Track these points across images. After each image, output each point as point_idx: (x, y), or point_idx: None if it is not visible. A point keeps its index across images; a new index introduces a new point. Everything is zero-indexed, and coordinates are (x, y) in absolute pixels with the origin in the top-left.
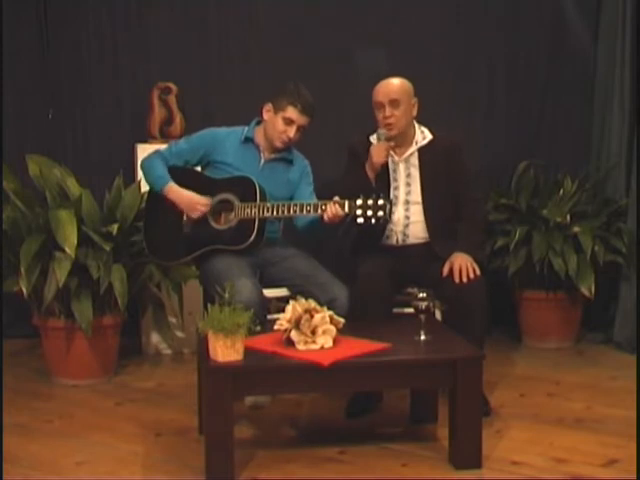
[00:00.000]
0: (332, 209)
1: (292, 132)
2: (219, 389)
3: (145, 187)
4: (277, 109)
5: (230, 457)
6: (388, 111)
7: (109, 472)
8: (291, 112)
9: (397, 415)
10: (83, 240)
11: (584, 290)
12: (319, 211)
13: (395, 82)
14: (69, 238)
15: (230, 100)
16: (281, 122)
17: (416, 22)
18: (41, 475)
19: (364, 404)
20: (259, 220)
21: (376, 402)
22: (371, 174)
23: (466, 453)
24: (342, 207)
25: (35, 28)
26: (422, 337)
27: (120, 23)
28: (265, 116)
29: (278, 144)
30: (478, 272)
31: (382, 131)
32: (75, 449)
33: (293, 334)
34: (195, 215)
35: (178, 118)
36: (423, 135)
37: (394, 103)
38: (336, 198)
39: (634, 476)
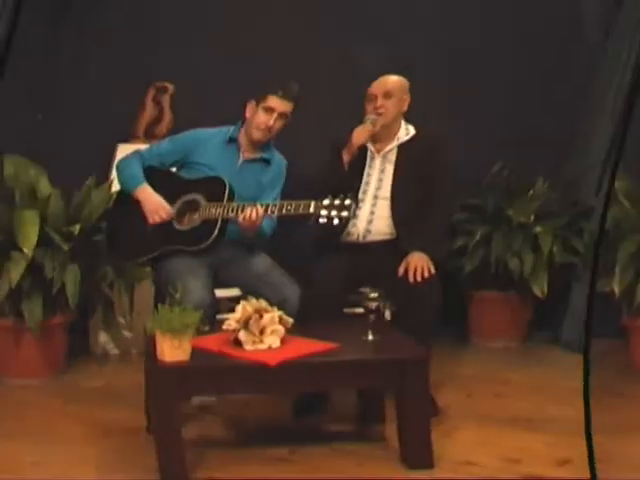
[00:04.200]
0: (247, 213)
1: (271, 120)
2: (166, 389)
3: (116, 187)
4: (259, 101)
5: (182, 457)
6: (380, 101)
7: (63, 472)
8: (271, 100)
9: (344, 415)
10: (44, 240)
11: (536, 290)
12: (284, 212)
13: (393, 77)
14: (29, 238)
15: (222, 100)
16: (261, 112)
17: (399, 18)
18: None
19: (310, 404)
20: (222, 220)
21: (322, 402)
22: (346, 157)
23: (418, 453)
24: (307, 208)
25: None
26: (370, 337)
27: (106, 20)
28: (247, 113)
29: (256, 135)
30: (433, 271)
31: (372, 116)
32: (28, 449)
33: (241, 334)
34: (152, 220)
35: (167, 118)
36: (407, 131)
37: (387, 94)
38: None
39: (586, 475)
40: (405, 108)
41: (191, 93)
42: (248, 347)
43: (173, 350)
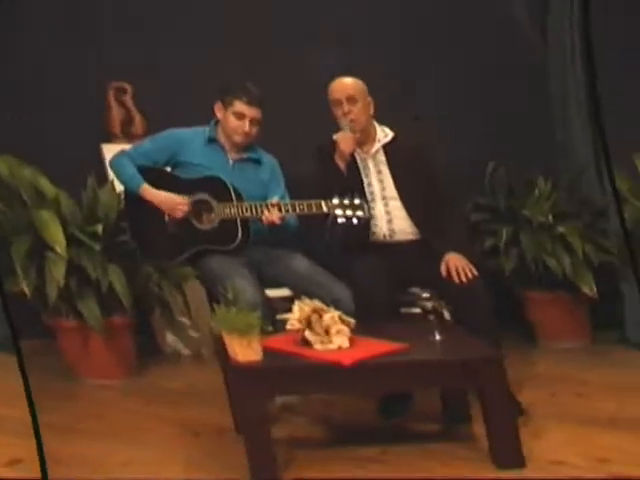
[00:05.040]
0: (268, 215)
1: (246, 126)
2: (243, 389)
3: (119, 186)
4: (226, 105)
5: (272, 457)
6: (346, 107)
7: (153, 472)
8: (238, 106)
9: (430, 415)
10: (70, 240)
11: (585, 289)
12: (297, 211)
13: (348, 80)
14: (57, 238)
15: (189, 99)
16: (232, 118)
17: (379, 19)
18: (87, 475)
19: (395, 405)
20: (241, 220)
21: (406, 402)
22: (342, 163)
23: (507, 452)
24: (320, 207)
25: None
26: (437, 337)
27: (75, 21)
28: (218, 115)
29: (237, 140)
30: (475, 272)
31: (346, 122)
32: (117, 449)
33: (308, 334)
34: (177, 215)
35: (137, 118)
36: (384, 133)
37: (351, 99)
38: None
39: None
40: (372, 110)
41: (153, 93)
42: (318, 347)
43: (244, 350)
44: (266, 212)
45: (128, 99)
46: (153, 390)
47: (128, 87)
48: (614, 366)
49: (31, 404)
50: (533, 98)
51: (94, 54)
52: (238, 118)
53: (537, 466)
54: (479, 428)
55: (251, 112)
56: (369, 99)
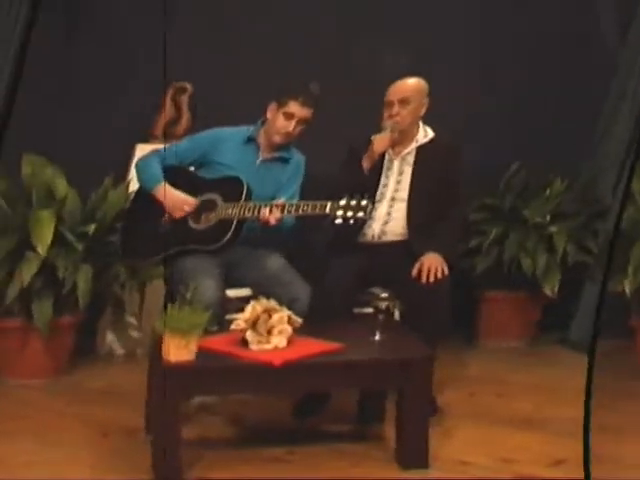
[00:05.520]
0: (264, 215)
1: (291, 127)
2: (169, 389)
3: (134, 186)
4: (280, 105)
5: (176, 456)
6: (395, 110)
7: (56, 472)
8: (292, 106)
9: (344, 415)
10: (58, 240)
11: (547, 290)
12: (300, 212)
13: (410, 81)
14: (44, 238)
15: (242, 100)
16: (282, 118)
17: (406, 19)
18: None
19: (312, 404)
20: (238, 220)
21: (323, 402)
22: (368, 164)
23: (413, 453)
24: (324, 208)
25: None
26: (377, 337)
27: (126, 21)
28: (269, 115)
29: (277, 140)
30: (446, 272)
31: (390, 123)
32: (24, 449)
33: (248, 334)
34: (178, 215)
35: (185, 118)
36: (425, 133)
37: (404, 101)
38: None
39: (580, 476)
40: (423, 112)
41: (210, 93)
42: (254, 347)
43: (179, 350)
44: (266, 213)
45: (184, 99)
46: (76, 390)
47: (188, 87)
48: (546, 366)
49: None
50: (564, 98)
51: (147, 53)
52: (287, 118)
53: (442, 466)
54: (391, 428)
55: (302, 112)
56: (425, 100)
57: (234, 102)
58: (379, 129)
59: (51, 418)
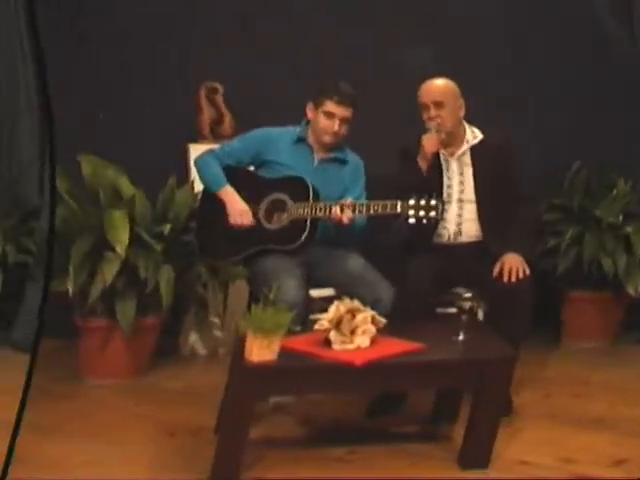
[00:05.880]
0: (337, 214)
1: (336, 125)
2: (246, 389)
3: (198, 187)
4: (317, 105)
5: (237, 456)
6: (433, 112)
7: (113, 471)
8: (329, 105)
9: (417, 415)
10: (134, 240)
11: (630, 289)
12: (371, 211)
13: (438, 83)
14: (121, 238)
15: (280, 99)
16: (323, 117)
17: (464, 18)
18: (45, 474)
19: (386, 404)
20: (311, 220)
21: (398, 402)
22: (423, 164)
23: (475, 453)
24: (394, 208)
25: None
26: (460, 337)
27: (167, 21)
28: (309, 115)
29: (326, 140)
30: (528, 272)
31: (433, 124)
32: (84, 449)
33: (332, 334)
34: (235, 223)
35: (227, 118)
36: (474, 134)
37: (438, 105)
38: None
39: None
40: (462, 112)
41: (245, 93)
42: (336, 347)
43: (261, 350)
44: (338, 212)
45: (219, 99)
46: (151, 390)
47: (219, 87)
48: (625, 367)
49: None
50: (626, 97)
51: (183, 53)
52: (328, 117)
53: (501, 466)
54: (461, 429)
55: (341, 111)
56: (460, 102)
57: (265, 102)
58: (424, 130)
59: (116, 418)
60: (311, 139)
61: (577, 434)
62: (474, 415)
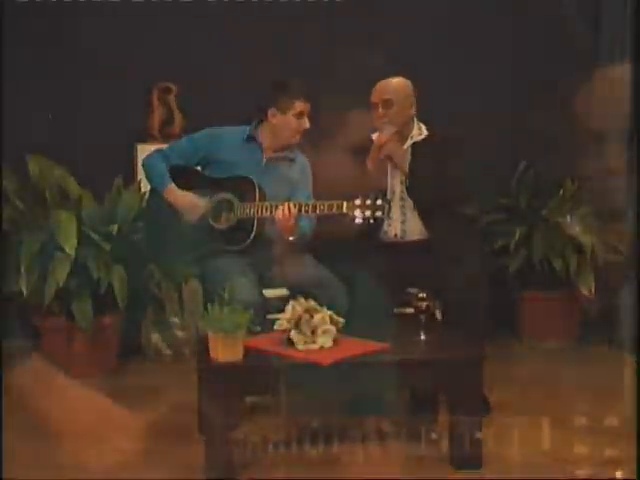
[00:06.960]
0: (280, 213)
1: (306, 122)
2: (219, 389)
3: (145, 187)
4: (284, 110)
5: (230, 457)
6: (381, 111)
7: (110, 471)
8: (299, 105)
9: (397, 415)
10: (83, 240)
11: (584, 290)
12: (317, 211)
13: (391, 82)
14: (70, 238)
15: (230, 100)
16: (294, 119)
17: (415, 18)
18: (40, 474)
19: (365, 404)
20: (258, 220)
21: (377, 402)
22: (371, 164)
23: (466, 453)
24: (340, 208)
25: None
26: (422, 337)
27: (118, 21)
28: (273, 121)
29: (297, 139)
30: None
31: (380, 124)
32: (74, 448)
33: (293, 334)
34: (193, 218)
35: (178, 118)
36: (420, 131)
37: (387, 103)
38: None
39: (634, 477)
40: (413, 110)
41: (196, 93)
42: (300, 347)
43: (226, 350)
44: (281, 210)
45: (172, 99)
46: (123, 389)
47: (173, 87)
48: (595, 367)
49: None
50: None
51: (132, 53)
52: (299, 117)
53: (495, 466)
54: (444, 428)
55: (307, 107)
56: (411, 100)
57: (216, 102)
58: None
59: (100, 417)
60: (262, 138)
61: (564, 434)
62: (452, 415)
